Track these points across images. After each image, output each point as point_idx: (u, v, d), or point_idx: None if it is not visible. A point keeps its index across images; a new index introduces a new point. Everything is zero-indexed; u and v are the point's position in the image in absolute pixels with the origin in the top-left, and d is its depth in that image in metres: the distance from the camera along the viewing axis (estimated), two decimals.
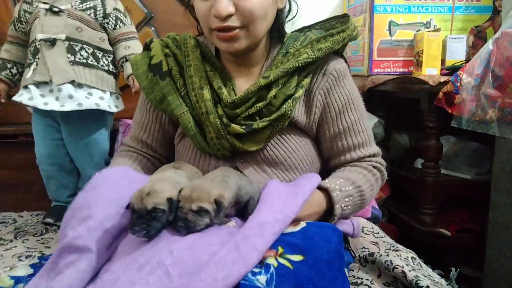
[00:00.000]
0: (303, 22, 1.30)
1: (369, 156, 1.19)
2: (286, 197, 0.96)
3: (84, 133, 2.06)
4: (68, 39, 1.94)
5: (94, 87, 1.98)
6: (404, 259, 1.22)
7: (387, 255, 1.19)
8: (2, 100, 2.06)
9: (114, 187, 0.96)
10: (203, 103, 1.09)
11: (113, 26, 2.09)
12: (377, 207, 1.74)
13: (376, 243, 1.31)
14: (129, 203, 0.89)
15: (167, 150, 1.29)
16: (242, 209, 0.99)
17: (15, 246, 1.77)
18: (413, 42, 2.09)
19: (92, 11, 2.02)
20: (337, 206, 1.05)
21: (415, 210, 2.03)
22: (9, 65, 2.06)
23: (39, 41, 1.92)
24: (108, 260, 0.90)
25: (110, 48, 2.12)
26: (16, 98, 1.92)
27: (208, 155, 1.15)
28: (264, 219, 0.87)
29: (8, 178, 2.51)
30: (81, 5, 2.00)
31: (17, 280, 1.06)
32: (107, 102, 2.02)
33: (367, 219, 1.65)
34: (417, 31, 2.10)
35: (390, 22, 2.13)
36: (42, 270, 0.91)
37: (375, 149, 1.21)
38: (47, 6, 1.95)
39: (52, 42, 1.91)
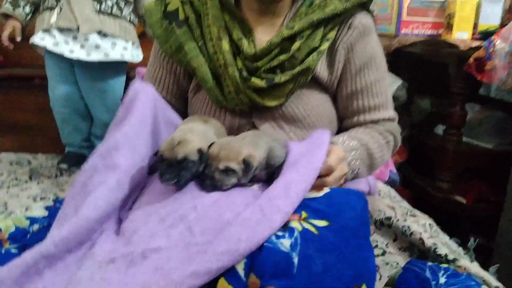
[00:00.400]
0: None
1: (383, 120, 1.14)
2: (307, 152, 0.91)
3: (101, 80, 2.03)
4: None
5: (118, 37, 1.94)
6: (422, 225, 1.20)
7: (405, 220, 1.17)
8: (18, 39, 1.98)
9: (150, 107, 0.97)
10: (222, 54, 1.04)
11: None
12: (394, 170, 1.71)
13: (393, 207, 1.29)
14: (157, 150, 0.87)
15: (182, 104, 1.22)
16: (272, 173, 0.94)
17: (30, 187, 1.79)
18: (445, 3, 1.98)
19: None
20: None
21: (432, 176, 2.01)
22: (22, 3, 1.95)
23: None
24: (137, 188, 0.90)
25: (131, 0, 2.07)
26: (37, 41, 1.87)
27: (224, 110, 1.10)
28: (288, 178, 0.83)
29: (23, 121, 2.48)
30: None
31: (33, 220, 1.07)
32: (130, 52, 2.00)
33: (384, 182, 1.63)
34: None
35: None
36: (67, 198, 0.88)
37: (392, 113, 1.16)
38: None
39: None
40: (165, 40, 1.10)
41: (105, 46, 1.90)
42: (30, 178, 1.92)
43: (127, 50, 1.98)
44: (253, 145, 0.90)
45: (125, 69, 2.13)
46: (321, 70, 1.09)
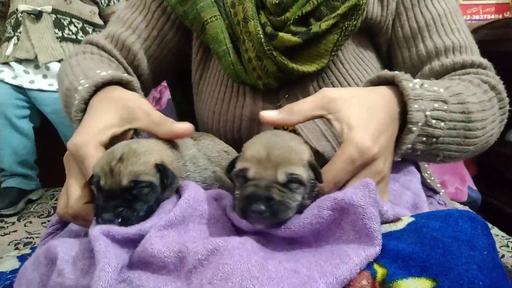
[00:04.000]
0: None
1: (471, 66, 0.75)
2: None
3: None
4: (55, 11, 1.72)
5: None
6: None
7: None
8: None
9: None
10: (241, 5, 0.75)
11: (106, 2, 1.88)
12: (474, 187, 1.32)
13: None
14: (92, 175, 0.55)
15: (154, 76, 0.90)
16: None
17: (15, 231, 1.53)
18: None
19: None
20: (415, 106, 0.57)
21: (509, 193, 1.69)
22: None
23: (22, 12, 1.71)
24: None
25: (101, 22, 1.89)
26: None
27: (243, 88, 0.80)
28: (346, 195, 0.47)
29: None
30: None
31: None
32: None
33: (462, 203, 1.25)
34: None
35: None
36: None
37: (482, 59, 0.77)
38: None
39: (37, 15, 1.69)
40: None
41: None
42: (19, 219, 1.61)
43: None
44: (300, 142, 0.55)
45: None
46: (371, 5, 0.79)
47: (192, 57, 0.86)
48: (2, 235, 1.46)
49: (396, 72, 0.61)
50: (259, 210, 0.47)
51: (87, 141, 0.57)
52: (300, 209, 0.50)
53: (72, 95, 0.66)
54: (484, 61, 0.77)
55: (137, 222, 0.52)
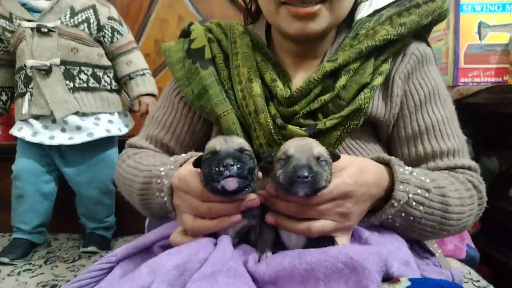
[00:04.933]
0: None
1: (462, 168, 0.87)
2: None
3: (89, 158, 1.85)
4: (64, 63, 1.74)
5: (100, 112, 1.81)
6: None
7: None
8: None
9: None
10: (252, 99, 0.86)
11: (109, 39, 1.89)
12: (473, 245, 1.39)
13: None
14: (200, 155, 0.71)
15: None
16: None
17: (42, 273, 1.62)
18: (509, 46, 1.76)
19: (86, 25, 1.80)
20: (401, 187, 0.72)
21: None
22: None
23: (30, 68, 1.70)
24: None
25: (109, 63, 1.92)
26: (15, 133, 1.76)
27: None
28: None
29: None
30: (72, 20, 1.77)
31: None
32: (117, 124, 1.85)
33: (461, 261, 1.31)
34: None
35: (479, 23, 1.80)
36: None
37: (471, 162, 0.89)
38: (33, 25, 1.71)
39: (47, 70, 1.69)
40: (186, 82, 0.94)
41: (87, 125, 1.76)
42: (45, 263, 1.71)
43: (113, 124, 1.84)
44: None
45: (115, 140, 1.96)
46: (376, 105, 0.88)
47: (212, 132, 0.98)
48: (30, 277, 1.55)
49: (393, 157, 0.77)
50: (304, 176, 0.62)
51: (183, 169, 0.73)
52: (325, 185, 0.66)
53: (153, 183, 0.80)
54: (473, 164, 0.88)
55: (245, 177, 0.66)
